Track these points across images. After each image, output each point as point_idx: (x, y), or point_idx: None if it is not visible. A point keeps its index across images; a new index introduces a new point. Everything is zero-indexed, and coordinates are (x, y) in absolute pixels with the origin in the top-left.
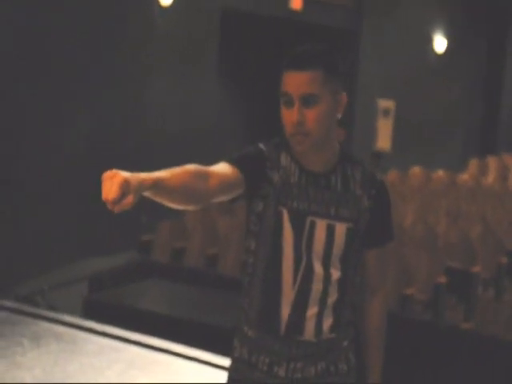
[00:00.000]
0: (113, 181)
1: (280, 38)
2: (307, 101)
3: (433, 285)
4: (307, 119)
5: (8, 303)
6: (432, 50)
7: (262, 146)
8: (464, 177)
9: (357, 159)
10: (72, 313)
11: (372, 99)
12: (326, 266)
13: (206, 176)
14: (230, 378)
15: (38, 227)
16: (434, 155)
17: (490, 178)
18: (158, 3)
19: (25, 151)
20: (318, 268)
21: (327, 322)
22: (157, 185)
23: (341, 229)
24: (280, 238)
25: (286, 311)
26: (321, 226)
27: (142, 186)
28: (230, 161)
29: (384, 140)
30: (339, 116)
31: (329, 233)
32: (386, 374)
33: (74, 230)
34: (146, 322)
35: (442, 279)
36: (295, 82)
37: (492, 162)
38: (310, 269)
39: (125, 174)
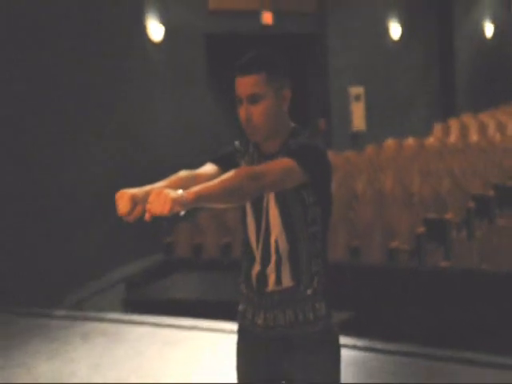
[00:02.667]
0: (123, 199)
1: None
2: (252, 99)
3: (414, 235)
4: (253, 115)
5: (59, 312)
6: (389, 37)
7: (236, 142)
8: (430, 140)
9: (299, 136)
10: (115, 310)
11: (344, 88)
12: (278, 226)
13: (195, 177)
14: (238, 327)
15: (79, 245)
16: (403, 127)
17: (453, 137)
18: (149, 41)
19: (66, 175)
20: (272, 228)
21: (286, 273)
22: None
23: (283, 194)
24: (245, 211)
25: (256, 269)
26: (272, 197)
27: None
28: (212, 160)
29: (359, 121)
30: (285, 107)
31: (278, 198)
32: (380, 318)
33: (108, 243)
34: (176, 309)
35: (421, 229)
36: (242, 85)
37: (453, 123)
38: (266, 231)
39: (131, 191)
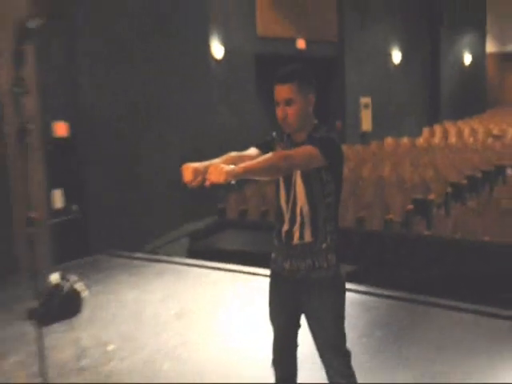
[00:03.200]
0: (187, 170)
1: None
2: (287, 102)
3: (404, 211)
4: (288, 114)
5: (138, 255)
6: (391, 62)
7: (274, 132)
8: (420, 140)
9: (320, 130)
10: (181, 256)
11: (356, 98)
12: (303, 197)
13: (241, 157)
14: (270, 271)
15: (157, 208)
16: (400, 129)
17: (437, 139)
18: (212, 58)
19: (151, 156)
20: (299, 197)
21: (307, 231)
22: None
23: (307, 173)
24: (278, 185)
25: (285, 228)
26: (299, 174)
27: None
28: (256, 145)
29: (367, 124)
30: (310, 108)
31: (303, 176)
32: (377, 271)
33: (178, 207)
34: (225, 257)
35: (410, 206)
36: (280, 92)
37: (437, 128)
38: (292, 199)
39: (193, 164)
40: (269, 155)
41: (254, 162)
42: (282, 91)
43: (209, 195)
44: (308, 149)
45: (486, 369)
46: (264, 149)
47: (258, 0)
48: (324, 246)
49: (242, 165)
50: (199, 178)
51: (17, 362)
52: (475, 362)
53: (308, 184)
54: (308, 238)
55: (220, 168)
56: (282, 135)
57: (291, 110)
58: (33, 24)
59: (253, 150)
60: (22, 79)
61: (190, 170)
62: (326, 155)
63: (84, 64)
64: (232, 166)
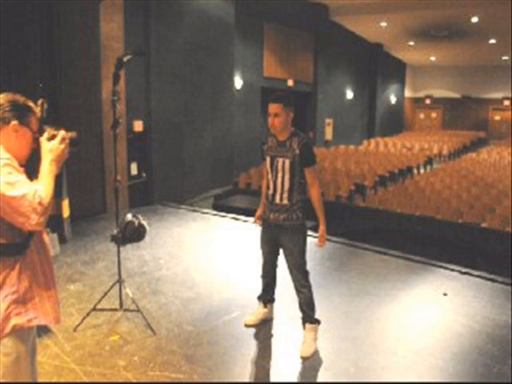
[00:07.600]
0: (255, 220)
1: None
2: (275, 115)
3: (349, 190)
4: (275, 122)
5: (183, 206)
6: (346, 97)
7: (267, 136)
8: (361, 148)
9: (298, 134)
10: (208, 209)
11: (323, 118)
12: (284, 175)
13: (265, 168)
14: (262, 220)
15: (194, 176)
16: (350, 140)
17: (371, 147)
18: (234, 88)
19: (192, 145)
20: (280, 176)
21: (285, 196)
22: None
23: (287, 161)
24: (267, 167)
25: (270, 192)
26: (280, 161)
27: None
28: (263, 154)
29: (329, 135)
30: (290, 120)
31: (283, 163)
32: (329, 225)
33: (209, 178)
34: (236, 211)
35: (353, 187)
36: (271, 108)
37: (372, 141)
38: (276, 177)
39: (257, 214)
40: (317, 199)
41: (319, 212)
42: (273, 108)
43: (228, 172)
44: (313, 173)
45: (392, 286)
46: (264, 152)
47: (264, 53)
48: (295, 207)
49: (322, 223)
50: (259, 222)
51: (104, 265)
52: (386, 283)
53: (291, 171)
54: (285, 201)
55: (323, 239)
56: (271, 136)
57: (277, 121)
58: (125, 59)
59: (266, 160)
60: (117, 92)
61: (255, 218)
62: (315, 163)
63: (153, 85)
64: (322, 230)
